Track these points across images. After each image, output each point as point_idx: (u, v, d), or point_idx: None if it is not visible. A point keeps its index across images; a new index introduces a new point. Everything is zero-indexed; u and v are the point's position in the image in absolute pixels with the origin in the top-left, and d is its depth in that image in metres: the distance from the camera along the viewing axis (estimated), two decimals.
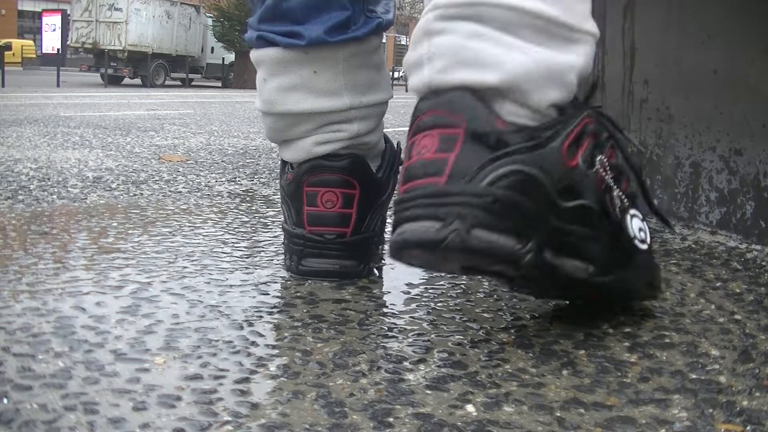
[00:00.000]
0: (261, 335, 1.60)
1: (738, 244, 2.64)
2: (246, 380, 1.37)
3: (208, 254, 2.30)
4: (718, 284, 2.13)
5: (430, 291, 1.96)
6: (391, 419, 1.21)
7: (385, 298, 1.89)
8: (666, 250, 2.57)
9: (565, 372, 1.44)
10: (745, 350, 1.59)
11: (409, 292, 1.95)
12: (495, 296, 1.92)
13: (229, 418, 1.20)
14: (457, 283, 2.03)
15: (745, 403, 1.32)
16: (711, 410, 1.29)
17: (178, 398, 1.27)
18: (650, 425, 1.23)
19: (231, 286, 1.96)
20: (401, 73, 45.18)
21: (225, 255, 2.31)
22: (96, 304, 1.77)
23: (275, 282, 2.02)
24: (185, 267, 2.14)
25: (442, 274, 2.09)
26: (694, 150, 2.93)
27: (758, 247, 2.58)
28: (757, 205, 2.64)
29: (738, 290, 2.07)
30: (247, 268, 2.16)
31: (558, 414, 1.25)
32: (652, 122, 3.14)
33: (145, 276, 2.03)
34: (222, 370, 1.41)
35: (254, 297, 1.87)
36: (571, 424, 1.22)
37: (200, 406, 1.25)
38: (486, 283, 2.03)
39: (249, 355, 1.49)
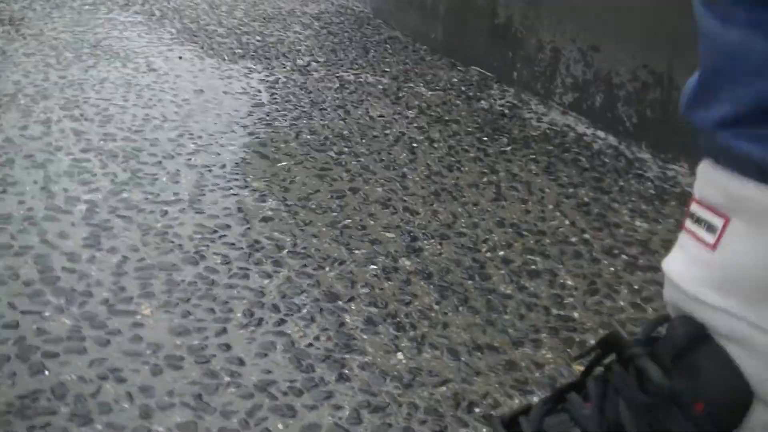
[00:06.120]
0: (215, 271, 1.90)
1: (585, 130, 3.07)
2: (224, 331, 1.69)
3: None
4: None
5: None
6: (346, 371, 1.60)
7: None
8: (524, 137, 2.97)
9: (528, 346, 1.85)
10: None
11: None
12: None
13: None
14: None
15: None
16: None
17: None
18: None
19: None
20: None
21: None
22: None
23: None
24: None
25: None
26: (557, 37, 3.27)
27: (602, 134, 3.03)
28: (605, 97, 3.07)
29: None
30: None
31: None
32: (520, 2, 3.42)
33: None
34: (200, 320, 1.72)
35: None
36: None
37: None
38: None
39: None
